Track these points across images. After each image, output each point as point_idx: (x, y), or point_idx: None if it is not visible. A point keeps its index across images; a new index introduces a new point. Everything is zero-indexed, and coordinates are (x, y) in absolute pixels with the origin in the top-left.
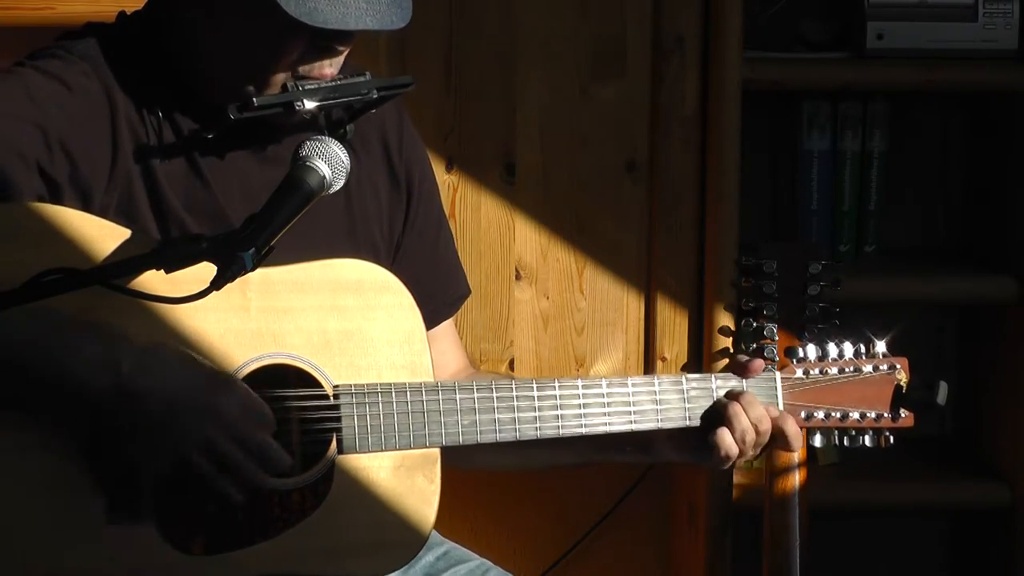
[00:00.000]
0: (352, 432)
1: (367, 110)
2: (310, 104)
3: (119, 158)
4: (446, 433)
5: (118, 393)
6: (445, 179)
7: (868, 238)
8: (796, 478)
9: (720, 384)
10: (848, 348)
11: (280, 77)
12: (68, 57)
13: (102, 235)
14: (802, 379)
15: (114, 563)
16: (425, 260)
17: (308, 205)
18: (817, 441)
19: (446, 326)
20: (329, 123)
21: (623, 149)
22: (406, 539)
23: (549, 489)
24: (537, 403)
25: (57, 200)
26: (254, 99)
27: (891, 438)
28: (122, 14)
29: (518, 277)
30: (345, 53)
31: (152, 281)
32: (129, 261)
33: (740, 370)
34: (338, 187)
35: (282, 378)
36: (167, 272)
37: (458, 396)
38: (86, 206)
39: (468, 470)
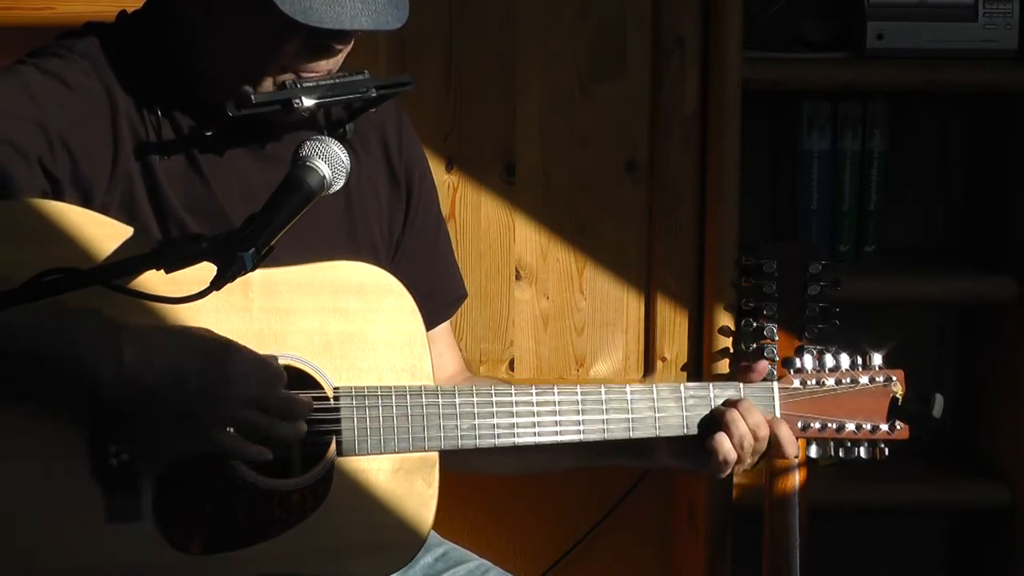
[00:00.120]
0: (352, 434)
1: (366, 109)
2: (308, 101)
3: (120, 157)
4: (445, 437)
5: (122, 379)
6: (445, 179)
7: (868, 238)
8: (796, 478)
9: (718, 393)
10: (845, 359)
11: (278, 76)
12: (68, 56)
13: (103, 233)
14: (799, 389)
15: (113, 562)
16: (424, 260)
17: (308, 205)
18: (813, 452)
19: (443, 328)
20: (329, 122)
21: (623, 149)
22: (404, 541)
23: (549, 489)
24: (536, 408)
25: (58, 198)
26: (252, 96)
27: (886, 450)
28: (122, 13)
29: (518, 277)
30: (344, 52)
31: (153, 281)
32: (129, 261)
33: (744, 373)
34: (338, 187)
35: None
36: (167, 272)
37: (458, 400)
38: (87, 204)
39: (466, 474)
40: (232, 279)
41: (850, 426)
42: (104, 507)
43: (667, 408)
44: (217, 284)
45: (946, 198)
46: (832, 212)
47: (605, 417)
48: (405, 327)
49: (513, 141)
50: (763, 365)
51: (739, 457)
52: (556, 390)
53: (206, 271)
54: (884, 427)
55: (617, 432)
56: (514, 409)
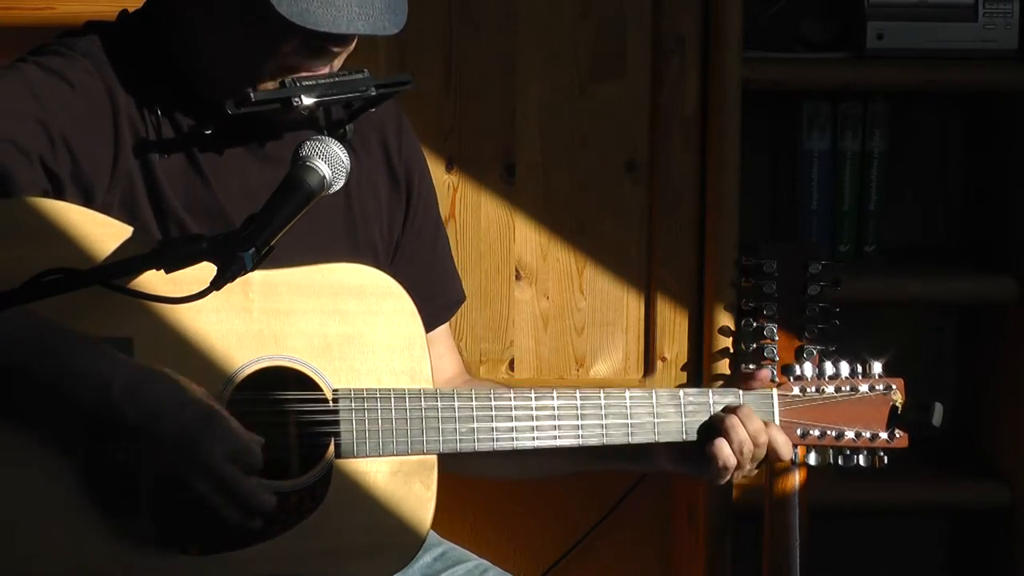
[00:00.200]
0: (350, 436)
1: (366, 109)
2: (308, 100)
3: (121, 156)
4: (444, 440)
5: (107, 411)
6: (445, 179)
7: (868, 238)
8: (796, 478)
9: (717, 399)
10: (845, 367)
11: (277, 76)
12: (70, 54)
13: (103, 233)
14: (798, 396)
15: (112, 562)
16: (423, 262)
17: (308, 205)
18: (812, 459)
19: (442, 331)
20: (329, 123)
21: (623, 149)
22: (402, 543)
23: (549, 490)
24: (535, 413)
25: (59, 196)
26: (251, 95)
27: (885, 458)
28: (123, 12)
29: (518, 277)
30: (342, 54)
31: (153, 281)
32: (129, 261)
33: (745, 380)
34: (338, 187)
35: (282, 380)
36: (167, 272)
37: (456, 404)
38: (88, 203)
39: (464, 477)
40: (232, 279)
41: (849, 434)
42: (103, 507)
43: (666, 414)
44: (217, 284)
45: (946, 198)
46: (832, 212)
47: (604, 422)
48: (405, 330)
49: (513, 141)
50: (765, 374)
51: (739, 463)
52: (555, 394)
53: (206, 271)
54: (883, 435)
55: (616, 437)
56: (513, 413)
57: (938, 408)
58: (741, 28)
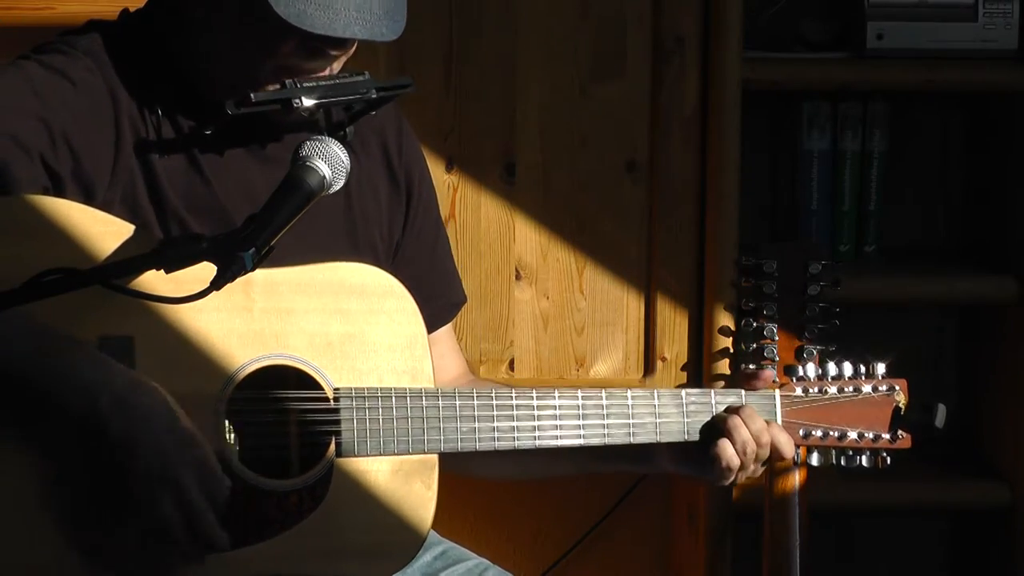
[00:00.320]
0: (351, 435)
1: (367, 111)
2: (308, 102)
3: (121, 154)
4: (445, 440)
5: (93, 420)
6: (445, 179)
7: (868, 238)
8: (796, 478)
9: (719, 400)
10: (848, 367)
11: (277, 77)
12: (72, 52)
13: (104, 231)
14: (801, 397)
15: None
16: (423, 263)
17: (308, 205)
18: (814, 460)
19: (444, 331)
20: (329, 124)
21: (623, 149)
22: (402, 543)
23: (549, 490)
24: (536, 412)
25: (60, 194)
26: (252, 95)
27: (888, 459)
28: (124, 12)
29: (518, 277)
30: (342, 57)
31: (154, 281)
32: (129, 261)
33: (748, 380)
34: (338, 187)
35: (283, 379)
36: (167, 272)
37: (458, 403)
38: (88, 201)
39: (466, 477)
40: (232, 279)
41: (852, 435)
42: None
43: (668, 414)
44: (217, 284)
45: (946, 198)
46: (832, 212)
47: (606, 422)
48: (406, 329)
49: (513, 141)
50: (768, 374)
51: (742, 463)
52: (557, 394)
53: (208, 270)
54: (886, 436)
55: (618, 437)
56: (514, 413)
57: (941, 409)
58: (741, 28)
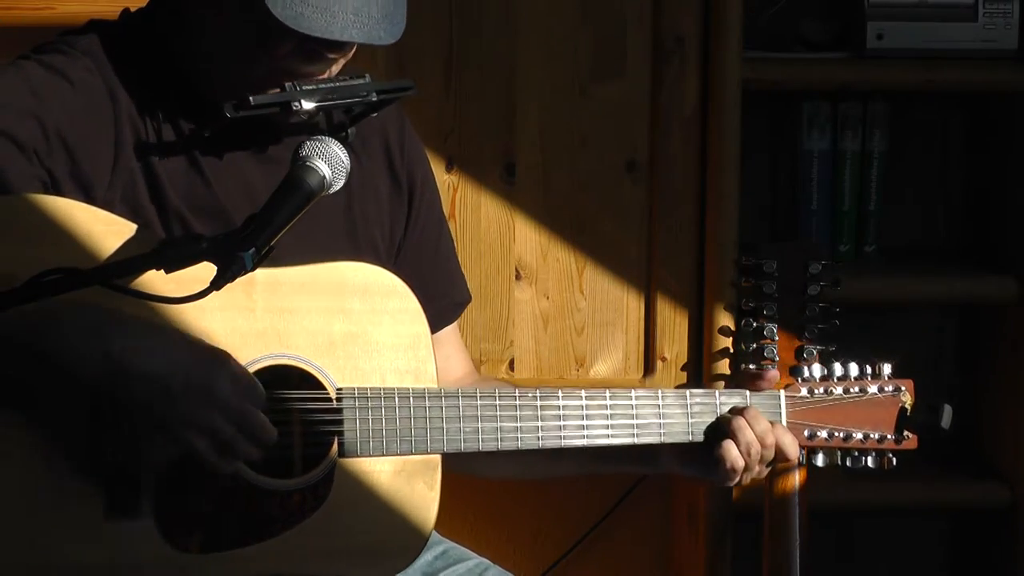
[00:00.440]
0: (354, 435)
1: (368, 113)
2: (307, 105)
3: (121, 154)
4: (448, 440)
5: (110, 374)
6: (445, 179)
7: (868, 238)
8: (796, 478)
9: (724, 400)
10: (854, 368)
11: (276, 78)
12: (71, 52)
13: (107, 230)
14: (806, 397)
15: (111, 560)
16: (426, 263)
17: (308, 205)
18: (819, 461)
19: (449, 331)
20: (330, 126)
21: (623, 149)
22: (404, 543)
23: (549, 490)
24: (540, 413)
25: (57, 193)
26: (251, 98)
27: (894, 460)
28: (125, 11)
29: (518, 277)
30: (341, 60)
31: (155, 280)
32: (129, 261)
33: (753, 381)
34: (338, 187)
35: (286, 379)
36: (167, 272)
37: (461, 403)
38: (88, 200)
39: (468, 476)
40: (232, 279)
41: (857, 435)
42: (102, 505)
43: (672, 415)
44: (217, 284)
45: (946, 198)
46: (832, 212)
47: (610, 423)
48: (409, 329)
49: (513, 141)
50: (773, 374)
51: (747, 465)
52: (560, 394)
53: (209, 270)
54: (891, 437)
55: (621, 437)
56: (518, 413)
57: (947, 410)
58: (741, 28)
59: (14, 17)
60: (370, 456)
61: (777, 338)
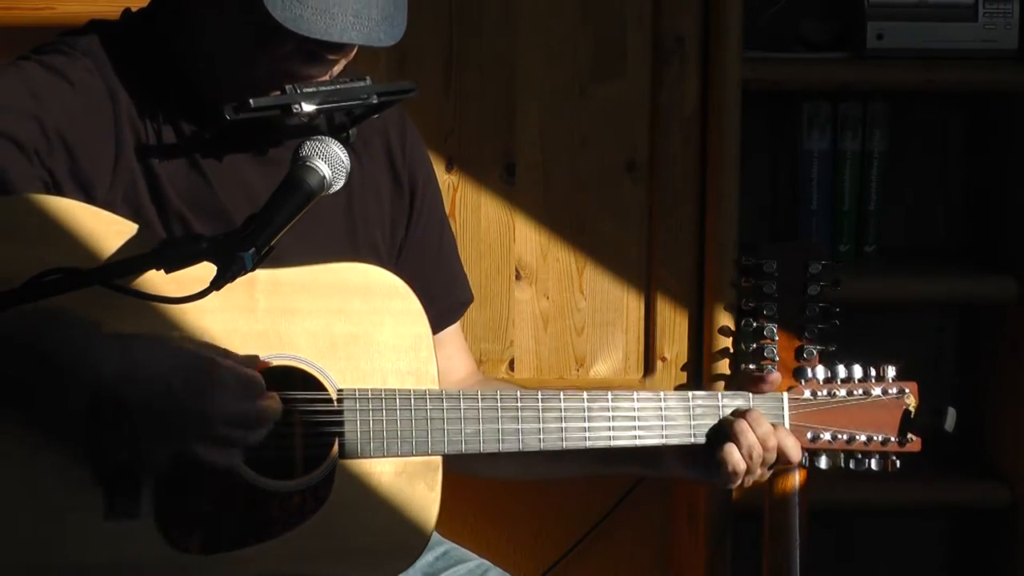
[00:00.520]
0: (355, 436)
1: (369, 115)
2: (308, 107)
3: (122, 155)
4: (449, 441)
5: (111, 374)
6: (445, 179)
7: (868, 238)
8: (796, 478)
9: (727, 402)
10: (857, 370)
11: (276, 80)
12: (72, 52)
13: (108, 230)
14: (809, 399)
15: (112, 560)
16: (427, 264)
17: (308, 205)
18: (823, 463)
19: (452, 331)
20: (331, 127)
21: (623, 149)
22: (405, 545)
23: (549, 490)
24: (541, 414)
25: (58, 193)
26: (251, 100)
27: (897, 462)
28: (127, 11)
29: (518, 277)
30: (341, 61)
31: (155, 281)
32: (129, 261)
33: (756, 383)
34: (338, 187)
35: (287, 380)
36: (167, 272)
37: (462, 405)
38: (89, 201)
39: (469, 476)
40: (232, 279)
41: (861, 438)
42: (103, 505)
43: (675, 416)
44: (217, 284)
45: (946, 198)
46: (832, 212)
47: (611, 424)
48: (411, 330)
49: (513, 141)
50: (775, 376)
51: (748, 468)
52: (562, 395)
53: (210, 271)
54: (895, 439)
55: (623, 439)
56: (519, 415)
57: (951, 413)
58: (741, 28)
59: (14, 17)
60: (371, 457)
61: (777, 338)
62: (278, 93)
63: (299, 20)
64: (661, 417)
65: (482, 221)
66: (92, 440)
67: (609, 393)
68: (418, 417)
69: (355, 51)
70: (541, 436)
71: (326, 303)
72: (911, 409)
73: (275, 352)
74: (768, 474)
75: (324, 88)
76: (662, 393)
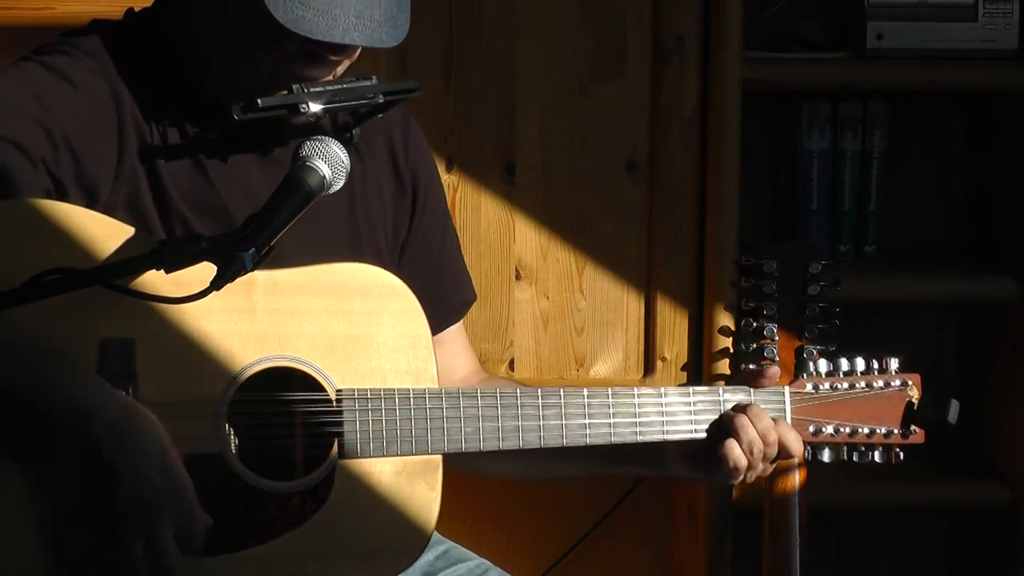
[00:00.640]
0: (354, 436)
1: (373, 115)
2: (315, 107)
3: (125, 156)
4: (448, 440)
5: (85, 442)
6: (445, 179)
7: (868, 238)
8: (796, 478)
9: (727, 397)
10: (860, 363)
11: (280, 81)
12: (74, 53)
13: (107, 234)
14: (811, 393)
15: None
16: (430, 264)
17: (308, 205)
18: (826, 456)
19: (455, 330)
20: (335, 127)
21: (623, 149)
22: (405, 545)
23: (549, 490)
24: (541, 412)
25: (62, 198)
26: (259, 100)
27: (901, 455)
28: (130, 11)
29: (518, 277)
30: (345, 61)
31: (155, 281)
32: (129, 261)
33: (755, 378)
34: (338, 187)
35: (286, 381)
36: (167, 272)
37: (462, 403)
38: (92, 204)
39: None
40: (232, 279)
41: (864, 431)
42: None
43: (675, 412)
44: (217, 284)
45: (946, 198)
46: (832, 212)
47: (612, 421)
48: (410, 329)
49: (513, 141)
50: (774, 371)
51: (750, 463)
52: (562, 393)
53: (210, 271)
54: (898, 432)
55: (624, 436)
56: (519, 412)
57: (954, 405)
58: (741, 28)
59: (14, 17)
60: (371, 457)
61: (777, 338)
62: (285, 93)
63: (301, 21)
64: (662, 413)
65: (482, 221)
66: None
67: (609, 389)
68: (417, 416)
69: (358, 52)
70: (541, 433)
71: (325, 304)
72: (914, 401)
73: (274, 353)
74: (770, 469)
75: (330, 88)
76: (663, 389)
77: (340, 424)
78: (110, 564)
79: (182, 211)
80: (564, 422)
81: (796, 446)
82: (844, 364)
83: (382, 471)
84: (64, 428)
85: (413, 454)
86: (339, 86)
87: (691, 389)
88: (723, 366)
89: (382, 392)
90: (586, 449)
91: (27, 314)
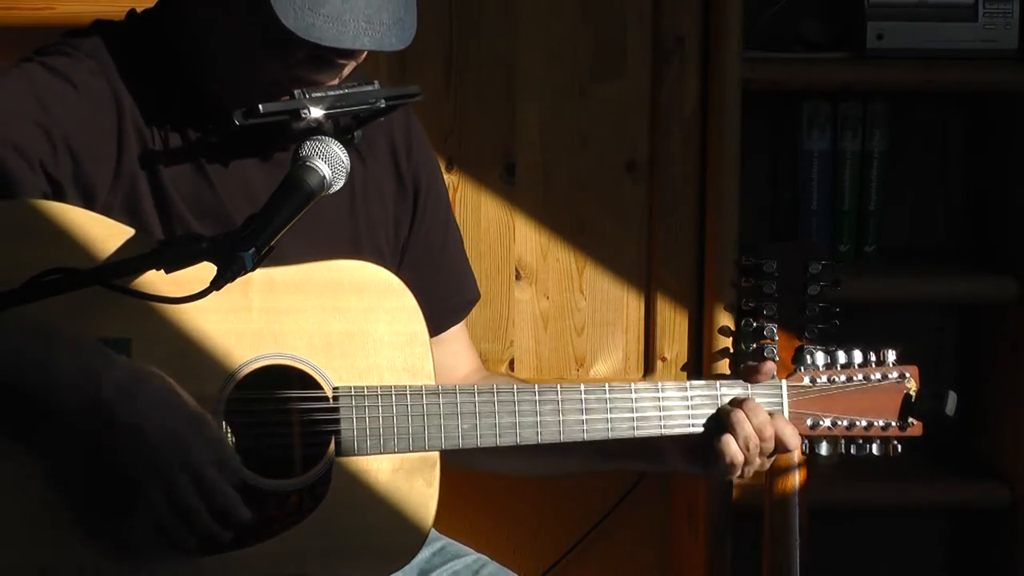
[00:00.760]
0: (351, 434)
1: (375, 118)
2: (316, 112)
3: (124, 158)
4: (446, 436)
5: (96, 411)
6: (445, 179)
7: (868, 238)
8: (796, 478)
9: (725, 391)
10: (857, 355)
11: (284, 85)
12: (75, 54)
13: (106, 234)
14: (809, 386)
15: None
16: (431, 264)
17: (308, 205)
18: (823, 449)
19: (457, 329)
20: (337, 130)
21: (623, 149)
22: (403, 542)
23: (549, 489)
24: (538, 407)
25: (60, 199)
26: (260, 106)
27: (899, 447)
28: (131, 12)
29: (518, 277)
30: (349, 65)
31: (154, 281)
32: (129, 261)
33: (750, 374)
34: (338, 187)
35: (284, 379)
36: (167, 272)
37: (458, 399)
38: (89, 205)
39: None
40: (232, 279)
41: (861, 423)
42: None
43: (672, 407)
44: (217, 284)
45: (946, 198)
46: (832, 212)
47: (609, 416)
48: (406, 326)
49: (513, 141)
50: (769, 366)
51: (747, 458)
52: (559, 388)
53: (208, 271)
54: (896, 424)
55: (621, 431)
56: (516, 408)
57: (952, 397)
58: (741, 28)
59: (14, 17)
60: (368, 454)
61: (777, 338)
62: (287, 98)
63: (311, 28)
64: (659, 408)
65: (482, 221)
66: (69, 462)
67: (607, 385)
68: (414, 413)
69: (363, 56)
70: (539, 429)
71: (321, 301)
72: (912, 393)
73: (270, 351)
74: (769, 463)
75: (332, 92)
76: (660, 384)
77: (337, 422)
78: (166, 517)
79: (183, 214)
80: (561, 418)
81: (793, 440)
82: (841, 357)
83: (379, 468)
84: (73, 403)
85: (410, 451)
86: (341, 91)
87: (688, 383)
88: (723, 366)
89: (379, 389)
90: (584, 444)
91: (27, 314)
